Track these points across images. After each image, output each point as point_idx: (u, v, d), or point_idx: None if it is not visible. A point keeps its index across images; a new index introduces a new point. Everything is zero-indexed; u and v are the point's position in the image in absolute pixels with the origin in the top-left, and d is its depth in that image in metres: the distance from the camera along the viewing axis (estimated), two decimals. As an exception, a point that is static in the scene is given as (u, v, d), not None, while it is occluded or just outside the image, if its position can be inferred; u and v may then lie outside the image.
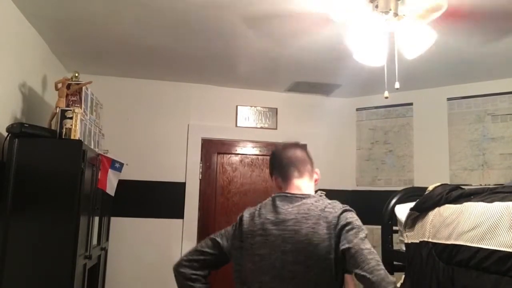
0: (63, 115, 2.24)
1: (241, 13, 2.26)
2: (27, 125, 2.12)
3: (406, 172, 3.62)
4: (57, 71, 2.97)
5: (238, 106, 3.73)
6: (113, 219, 3.27)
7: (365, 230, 1.53)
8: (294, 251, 1.49)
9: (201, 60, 3.06)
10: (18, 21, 2.34)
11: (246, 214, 1.64)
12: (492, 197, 1.67)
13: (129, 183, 3.29)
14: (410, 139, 3.65)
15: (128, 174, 3.09)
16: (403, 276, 2.07)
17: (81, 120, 2.30)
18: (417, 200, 2.02)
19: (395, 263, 2.24)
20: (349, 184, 3.87)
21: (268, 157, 3.47)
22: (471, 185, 3.24)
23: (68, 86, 2.39)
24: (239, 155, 3.72)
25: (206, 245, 1.68)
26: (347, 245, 1.44)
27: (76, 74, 2.48)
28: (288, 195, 1.64)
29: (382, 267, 1.37)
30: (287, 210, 1.57)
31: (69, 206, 2.10)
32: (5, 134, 2.12)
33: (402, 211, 2.12)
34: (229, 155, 3.71)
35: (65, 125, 2.22)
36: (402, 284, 2.04)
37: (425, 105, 3.61)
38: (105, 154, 2.74)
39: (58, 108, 2.28)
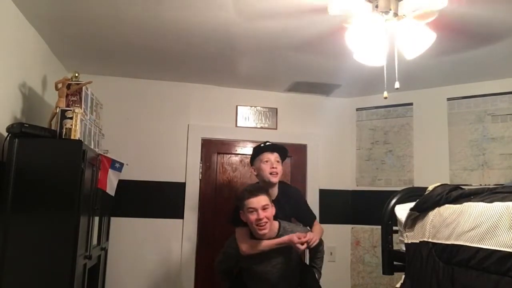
0: (63, 115, 2.24)
1: (241, 13, 2.26)
2: (27, 125, 2.12)
3: (406, 172, 3.62)
4: (57, 71, 2.97)
5: (238, 106, 3.73)
6: (113, 219, 3.27)
7: None
8: None
9: (201, 60, 3.06)
10: (18, 21, 2.34)
11: None
12: (492, 197, 1.66)
13: (129, 183, 3.29)
14: (410, 139, 3.65)
15: (128, 174, 3.09)
16: (403, 276, 2.06)
17: (81, 120, 2.30)
18: (417, 200, 2.01)
19: (395, 263, 2.23)
20: (349, 184, 3.87)
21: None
22: (471, 185, 3.24)
23: (68, 86, 2.38)
24: (239, 155, 3.72)
25: None
26: None
27: (76, 74, 2.48)
28: None
29: None
30: None
31: (69, 206, 2.10)
32: (5, 134, 2.12)
33: (402, 211, 2.12)
34: (229, 155, 3.71)
35: (65, 125, 2.22)
36: (402, 284, 2.04)
37: (425, 105, 3.61)
38: (105, 154, 2.74)
39: (58, 108, 2.28)
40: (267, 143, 2.75)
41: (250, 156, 2.88)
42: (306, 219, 2.75)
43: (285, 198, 2.71)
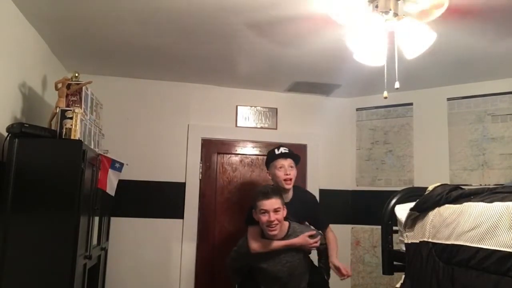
0: (63, 115, 2.24)
1: (241, 13, 2.26)
2: (27, 125, 2.12)
3: (406, 172, 3.62)
4: (57, 71, 2.97)
5: (238, 106, 3.73)
6: (113, 219, 3.27)
7: None
8: None
9: (201, 60, 3.06)
10: (18, 21, 2.34)
11: None
12: (492, 197, 1.67)
13: (129, 183, 3.29)
14: (410, 139, 3.65)
15: (128, 174, 3.09)
16: (403, 276, 2.06)
17: (81, 120, 2.29)
18: (417, 200, 2.01)
19: (395, 263, 2.23)
20: (349, 184, 3.87)
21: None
22: (471, 185, 3.24)
23: (68, 86, 2.38)
24: (239, 155, 3.72)
25: None
26: None
27: (76, 74, 2.48)
28: None
29: None
30: None
31: (69, 206, 2.10)
32: (5, 134, 2.12)
33: (402, 211, 2.12)
34: (229, 155, 3.71)
35: (65, 125, 2.22)
36: (402, 284, 2.04)
37: (425, 105, 3.61)
38: (105, 154, 2.74)
39: (58, 108, 2.28)
40: (282, 150, 2.82)
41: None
42: (320, 224, 2.82)
43: (298, 203, 2.79)
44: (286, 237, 2.58)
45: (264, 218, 2.49)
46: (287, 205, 2.65)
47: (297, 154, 2.90)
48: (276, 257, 2.57)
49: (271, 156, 2.84)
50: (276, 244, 2.55)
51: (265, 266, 2.59)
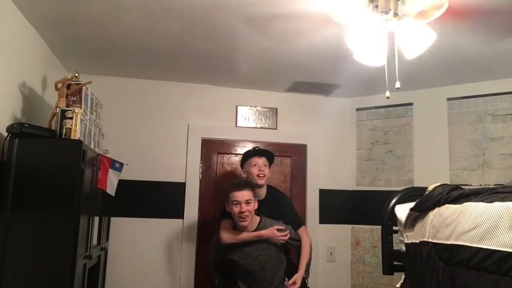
0: (63, 115, 2.24)
1: (241, 13, 2.26)
2: (27, 125, 2.12)
3: (406, 172, 3.62)
4: (57, 71, 2.97)
5: (238, 106, 3.73)
6: (113, 219, 3.27)
7: None
8: None
9: (201, 60, 3.06)
10: (18, 21, 2.34)
11: None
12: (492, 197, 1.67)
13: (129, 183, 3.29)
14: (410, 139, 3.65)
15: (128, 174, 3.10)
16: (403, 276, 2.06)
17: (81, 120, 2.30)
18: (417, 200, 2.02)
19: (395, 263, 2.24)
20: (349, 184, 3.87)
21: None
22: (471, 185, 3.24)
23: (68, 86, 2.39)
24: (239, 155, 3.70)
25: None
26: None
27: (76, 74, 2.48)
28: None
29: None
30: None
31: (69, 206, 2.10)
32: (5, 134, 2.12)
33: (402, 211, 2.12)
34: (229, 155, 3.71)
35: (65, 125, 2.22)
36: (402, 284, 2.05)
37: (425, 105, 3.61)
38: (105, 154, 2.74)
39: (58, 108, 2.28)
40: (256, 148, 3.02)
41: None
42: (292, 224, 2.88)
43: (272, 202, 2.91)
44: (257, 230, 2.69)
45: (236, 209, 2.62)
46: (260, 203, 2.78)
47: (271, 152, 3.05)
48: (247, 249, 2.68)
49: (246, 155, 2.99)
50: (245, 235, 2.67)
51: (237, 259, 2.70)
